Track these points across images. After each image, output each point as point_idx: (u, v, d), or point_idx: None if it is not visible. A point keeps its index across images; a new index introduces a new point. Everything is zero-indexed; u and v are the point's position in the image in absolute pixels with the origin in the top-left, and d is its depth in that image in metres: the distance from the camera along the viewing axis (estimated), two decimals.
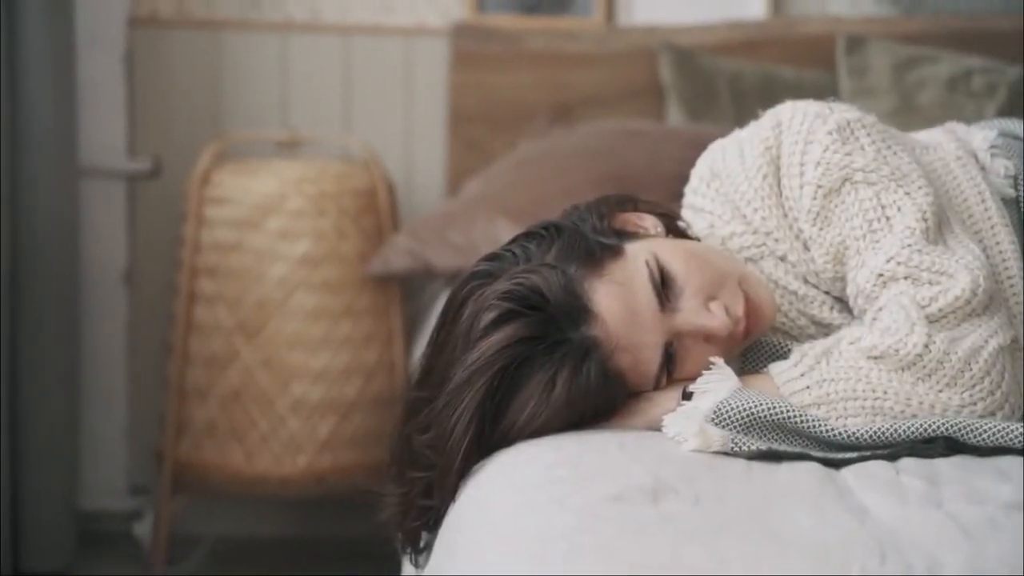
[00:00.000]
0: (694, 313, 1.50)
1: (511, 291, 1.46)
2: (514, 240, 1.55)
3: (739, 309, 1.52)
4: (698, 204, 1.66)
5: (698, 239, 1.64)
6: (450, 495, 1.45)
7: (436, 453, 1.47)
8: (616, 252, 1.51)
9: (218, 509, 3.23)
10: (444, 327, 1.52)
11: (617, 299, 1.47)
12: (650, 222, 1.60)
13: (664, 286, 1.49)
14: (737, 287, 1.53)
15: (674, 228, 1.63)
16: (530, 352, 1.44)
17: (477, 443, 1.45)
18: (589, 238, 1.52)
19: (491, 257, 1.54)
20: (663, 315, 1.49)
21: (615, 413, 1.50)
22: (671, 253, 1.52)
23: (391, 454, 1.56)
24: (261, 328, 2.87)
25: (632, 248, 1.52)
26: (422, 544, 1.54)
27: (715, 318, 1.50)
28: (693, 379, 1.50)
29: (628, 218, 1.60)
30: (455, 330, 1.49)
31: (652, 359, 1.49)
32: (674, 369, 1.51)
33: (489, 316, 1.46)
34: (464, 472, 1.45)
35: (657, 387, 1.50)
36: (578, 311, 1.46)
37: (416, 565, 1.56)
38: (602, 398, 1.47)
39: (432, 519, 1.50)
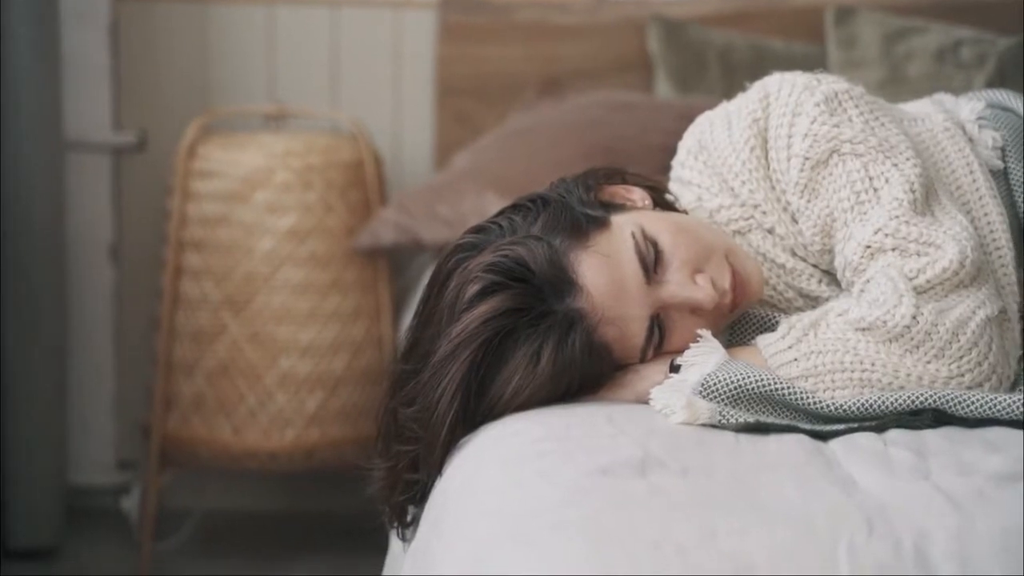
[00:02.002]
0: (680, 286, 1.49)
1: (496, 263, 1.45)
2: (500, 212, 1.55)
3: (726, 282, 1.52)
4: (686, 177, 1.66)
5: (685, 212, 1.63)
6: (436, 469, 1.45)
7: (421, 426, 1.47)
8: (602, 224, 1.50)
9: (206, 483, 3.23)
10: (429, 300, 1.52)
11: (602, 271, 1.46)
12: (637, 194, 1.60)
13: (651, 258, 1.49)
14: (724, 260, 1.53)
15: (661, 201, 1.63)
16: (515, 324, 1.43)
17: (462, 416, 1.44)
18: (575, 210, 1.51)
19: (476, 229, 1.53)
20: (649, 287, 1.48)
21: (602, 386, 1.50)
22: (658, 225, 1.52)
23: (378, 428, 1.56)
24: (248, 302, 2.86)
25: (619, 220, 1.51)
26: (409, 518, 1.54)
27: (701, 290, 1.50)
28: (681, 352, 1.50)
29: (615, 190, 1.59)
30: (440, 303, 1.49)
31: (638, 332, 1.48)
32: (661, 342, 1.50)
33: (474, 288, 1.45)
34: (450, 446, 1.45)
35: (644, 360, 1.50)
36: (563, 283, 1.45)
37: (403, 539, 1.55)
38: (588, 370, 1.46)
39: (419, 493, 1.49)
